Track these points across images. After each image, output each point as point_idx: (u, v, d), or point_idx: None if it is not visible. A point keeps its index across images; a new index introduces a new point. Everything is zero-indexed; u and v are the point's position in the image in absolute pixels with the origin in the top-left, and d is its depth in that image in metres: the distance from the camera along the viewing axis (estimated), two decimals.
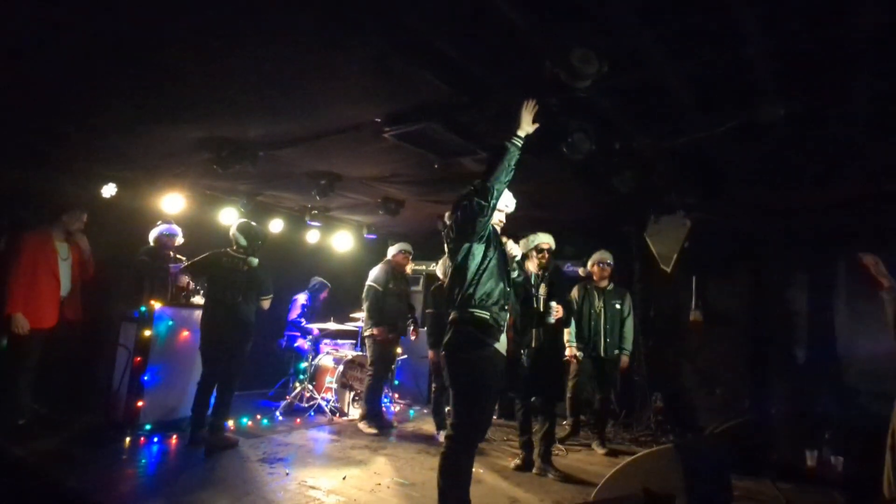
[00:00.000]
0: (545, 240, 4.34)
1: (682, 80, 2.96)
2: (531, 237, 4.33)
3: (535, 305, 4.23)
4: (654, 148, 3.98)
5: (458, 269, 2.82)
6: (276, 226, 6.69)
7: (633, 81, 3.00)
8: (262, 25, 2.63)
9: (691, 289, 5.99)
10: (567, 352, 4.98)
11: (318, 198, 5.48)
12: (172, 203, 5.59)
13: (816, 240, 5.29)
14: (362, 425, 5.42)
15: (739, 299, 5.81)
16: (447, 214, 3.08)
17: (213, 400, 4.61)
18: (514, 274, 3.36)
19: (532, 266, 4.08)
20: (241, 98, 3.52)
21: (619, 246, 5.25)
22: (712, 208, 5.26)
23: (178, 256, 5.32)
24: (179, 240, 5.34)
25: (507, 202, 3.04)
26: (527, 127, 2.78)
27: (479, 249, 2.81)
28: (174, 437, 4.67)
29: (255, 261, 4.72)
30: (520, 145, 2.76)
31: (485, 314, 2.75)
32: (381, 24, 2.56)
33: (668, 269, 5.62)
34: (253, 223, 4.89)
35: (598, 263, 5.27)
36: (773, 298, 5.63)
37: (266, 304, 4.86)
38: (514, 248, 3.30)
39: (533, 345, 4.22)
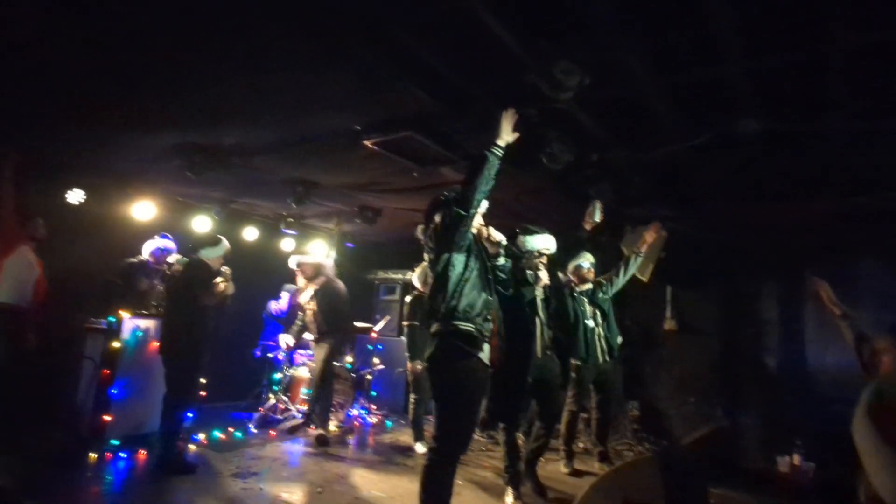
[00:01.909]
0: (546, 244, 3.98)
1: (660, 95, 3.01)
2: (528, 238, 3.97)
3: (536, 310, 3.96)
4: (632, 160, 4.05)
5: (440, 281, 2.79)
6: (250, 234, 6.60)
7: (613, 94, 3.04)
8: (242, 33, 2.59)
9: (666, 298, 6.09)
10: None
11: (293, 206, 5.41)
12: (143, 210, 5.46)
13: (787, 252, 5.43)
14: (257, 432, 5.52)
15: (712, 309, 5.93)
16: (419, 228, 3.04)
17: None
18: (502, 261, 3.28)
19: (543, 276, 3.84)
20: (218, 105, 3.47)
21: (596, 256, 5.27)
22: (687, 220, 5.36)
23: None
24: (174, 256, 5.19)
25: None
26: (507, 136, 2.77)
27: (459, 259, 2.79)
28: (142, 452, 4.52)
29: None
30: (500, 155, 2.75)
31: (469, 326, 2.73)
32: (366, 35, 2.54)
33: (644, 279, 5.69)
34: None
35: (576, 267, 4.85)
36: (745, 308, 5.76)
37: (207, 300, 4.36)
38: (497, 234, 3.24)
39: (539, 353, 3.88)
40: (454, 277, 2.76)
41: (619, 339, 4.97)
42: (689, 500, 3.25)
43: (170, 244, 5.27)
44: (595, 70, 2.67)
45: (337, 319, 5.56)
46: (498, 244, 3.25)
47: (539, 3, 2.34)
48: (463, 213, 2.71)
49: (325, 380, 5.42)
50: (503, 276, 3.18)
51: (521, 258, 3.90)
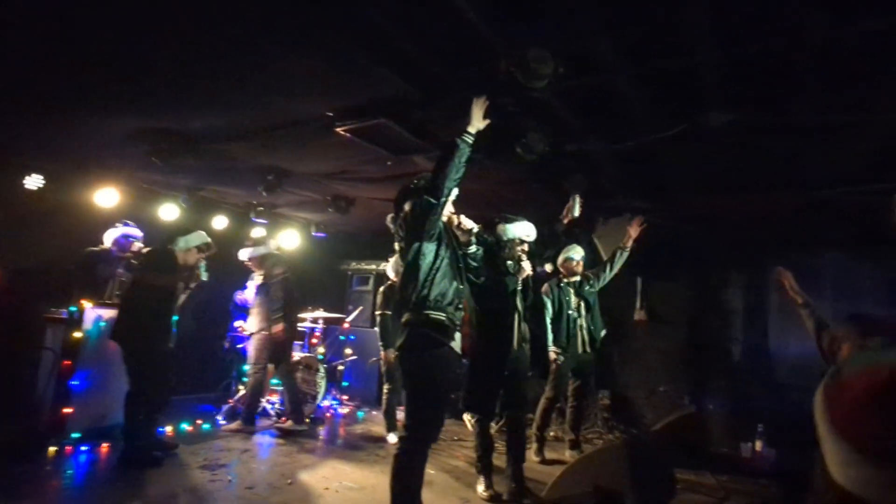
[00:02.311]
0: (526, 231, 3.89)
1: (633, 85, 3.03)
2: (507, 227, 3.87)
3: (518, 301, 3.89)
4: (605, 151, 4.08)
5: (410, 270, 2.77)
6: (219, 222, 6.45)
7: (588, 84, 3.05)
8: (211, 12, 2.50)
9: (636, 289, 6.18)
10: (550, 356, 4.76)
11: (264, 194, 5.31)
12: (106, 197, 5.28)
13: (752, 243, 5.57)
14: (225, 423, 5.35)
15: (681, 300, 6.05)
16: (389, 217, 3.00)
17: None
18: (473, 249, 3.23)
19: (527, 266, 3.79)
20: (186, 89, 3.36)
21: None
22: (657, 212, 5.45)
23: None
24: (139, 244, 5.02)
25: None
26: (477, 124, 2.75)
27: (430, 248, 2.77)
28: (105, 445, 4.39)
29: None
30: (471, 142, 2.72)
31: (441, 315, 2.72)
32: (340, 16, 2.49)
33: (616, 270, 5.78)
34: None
35: (566, 259, 4.96)
36: (712, 299, 5.90)
37: (159, 280, 4.17)
38: (468, 222, 3.18)
39: (515, 345, 3.82)
40: (425, 266, 2.74)
41: (603, 332, 5.05)
42: (657, 484, 3.33)
43: (134, 231, 5.11)
44: (569, 58, 2.67)
45: (270, 314, 5.37)
46: (469, 232, 3.23)
47: None
48: (433, 201, 2.68)
49: (256, 375, 5.28)
50: (475, 264, 3.16)
51: (502, 248, 3.84)
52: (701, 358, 5.86)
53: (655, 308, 6.13)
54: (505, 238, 3.86)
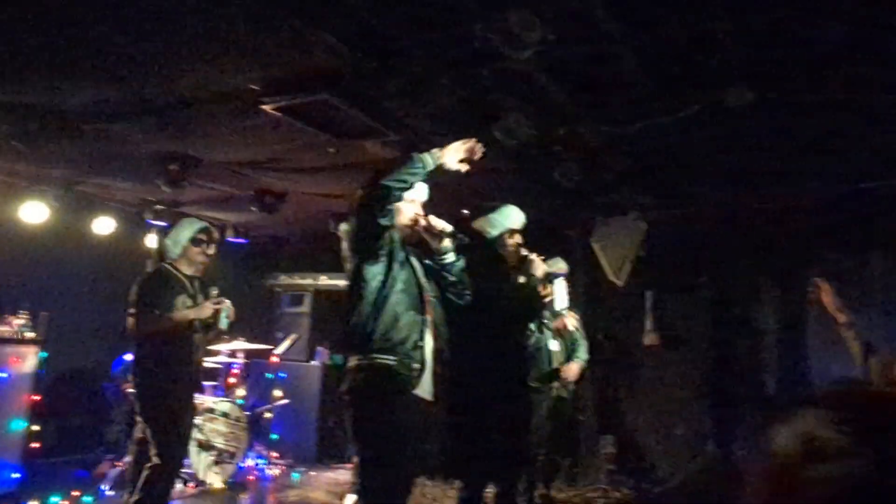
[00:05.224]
0: (515, 217, 3.72)
1: (639, 56, 3.17)
2: (492, 217, 3.70)
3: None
4: (605, 135, 4.22)
5: (352, 299, 2.79)
6: (102, 225, 6.33)
7: (583, 54, 3.17)
8: None
9: (645, 306, 6.36)
10: None
11: (164, 188, 5.26)
12: None
13: (788, 247, 5.81)
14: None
15: (701, 318, 6.25)
16: (342, 227, 3.02)
17: None
18: (450, 258, 3.05)
19: (539, 267, 3.62)
20: (60, 51, 3.32)
21: (561, 253, 5.44)
22: (670, 210, 5.64)
23: None
24: None
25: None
26: (448, 162, 2.77)
27: (375, 271, 2.77)
28: None
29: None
30: (430, 163, 2.72)
31: (390, 360, 2.70)
32: None
33: (620, 282, 5.94)
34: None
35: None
36: (739, 316, 6.13)
37: (165, 322, 3.87)
38: (440, 223, 3.05)
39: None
40: (369, 295, 2.74)
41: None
42: None
43: None
44: (560, 23, 2.78)
45: None
46: (441, 235, 3.08)
47: None
48: (376, 211, 2.68)
49: None
50: (452, 278, 3.09)
51: (493, 248, 3.70)
52: (726, 390, 6.06)
53: (670, 329, 6.32)
54: (494, 234, 3.68)
